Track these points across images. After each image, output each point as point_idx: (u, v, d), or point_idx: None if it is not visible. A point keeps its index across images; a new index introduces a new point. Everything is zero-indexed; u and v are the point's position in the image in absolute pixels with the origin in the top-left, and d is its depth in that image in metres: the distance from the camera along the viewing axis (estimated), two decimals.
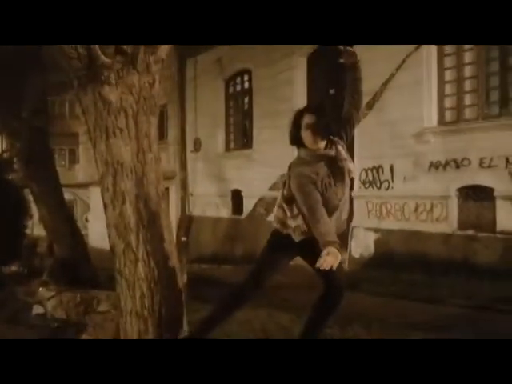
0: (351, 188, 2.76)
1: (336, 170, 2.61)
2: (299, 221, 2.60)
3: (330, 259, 2.30)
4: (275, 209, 2.76)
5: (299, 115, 2.69)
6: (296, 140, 2.70)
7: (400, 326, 4.82)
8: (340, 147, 2.66)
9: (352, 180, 2.70)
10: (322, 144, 2.63)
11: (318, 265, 2.31)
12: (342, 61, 2.70)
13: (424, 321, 5.20)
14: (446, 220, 7.95)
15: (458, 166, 7.80)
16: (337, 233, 2.57)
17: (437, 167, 8.08)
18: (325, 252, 2.33)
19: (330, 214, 2.57)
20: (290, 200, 2.64)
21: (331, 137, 2.66)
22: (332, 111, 2.72)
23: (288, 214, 2.66)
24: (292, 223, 2.63)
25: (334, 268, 2.32)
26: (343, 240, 9.47)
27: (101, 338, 4.31)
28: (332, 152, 2.63)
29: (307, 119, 2.63)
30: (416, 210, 8.34)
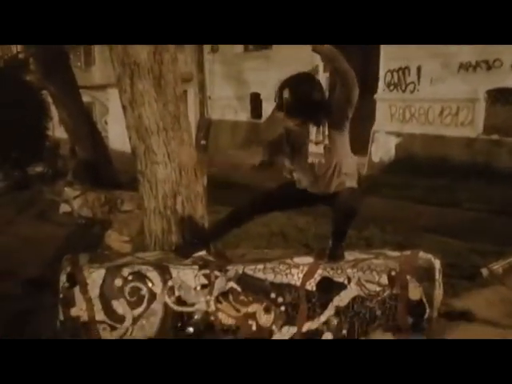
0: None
1: (299, 149, 2.57)
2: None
3: None
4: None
5: (282, 86, 2.49)
6: (281, 109, 2.55)
7: (415, 228, 4.92)
8: (313, 128, 2.52)
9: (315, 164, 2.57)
10: (297, 121, 2.52)
11: None
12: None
13: (440, 224, 5.29)
14: (471, 124, 7.76)
15: (488, 68, 7.43)
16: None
17: (466, 69, 7.71)
18: None
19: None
20: None
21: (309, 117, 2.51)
22: (313, 91, 2.47)
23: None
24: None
25: None
26: (364, 147, 9.38)
27: (126, 236, 4.53)
28: (302, 129, 2.54)
29: (286, 93, 2.46)
30: (441, 113, 8.12)
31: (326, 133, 2.53)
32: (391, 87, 8.93)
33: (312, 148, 2.56)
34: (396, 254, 2.83)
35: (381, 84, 9.03)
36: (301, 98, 2.44)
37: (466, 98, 7.72)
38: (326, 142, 2.54)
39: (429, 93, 8.26)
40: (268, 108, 11.47)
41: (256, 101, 11.89)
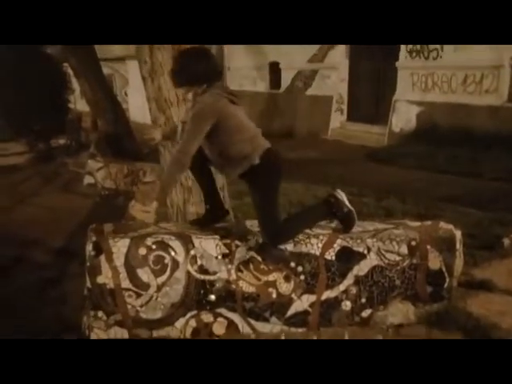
0: None
1: None
2: None
3: None
4: None
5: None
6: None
7: (435, 198, 4.88)
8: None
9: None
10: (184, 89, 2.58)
11: None
12: None
13: (461, 194, 5.23)
14: (495, 92, 7.54)
15: None
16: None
17: None
18: None
19: None
20: None
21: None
22: (195, 62, 2.47)
23: None
24: None
25: None
26: (384, 114, 9.20)
27: (148, 206, 4.60)
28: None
29: (174, 64, 2.55)
30: (464, 81, 7.90)
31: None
32: (413, 54, 8.70)
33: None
34: (416, 224, 2.82)
35: (402, 51, 8.80)
36: (182, 68, 2.47)
37: (490, 65, 7.48)
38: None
39: (452, 60, 8.03)
40: (287, 77, 11.38)
41: (275, 70, 11.73)
